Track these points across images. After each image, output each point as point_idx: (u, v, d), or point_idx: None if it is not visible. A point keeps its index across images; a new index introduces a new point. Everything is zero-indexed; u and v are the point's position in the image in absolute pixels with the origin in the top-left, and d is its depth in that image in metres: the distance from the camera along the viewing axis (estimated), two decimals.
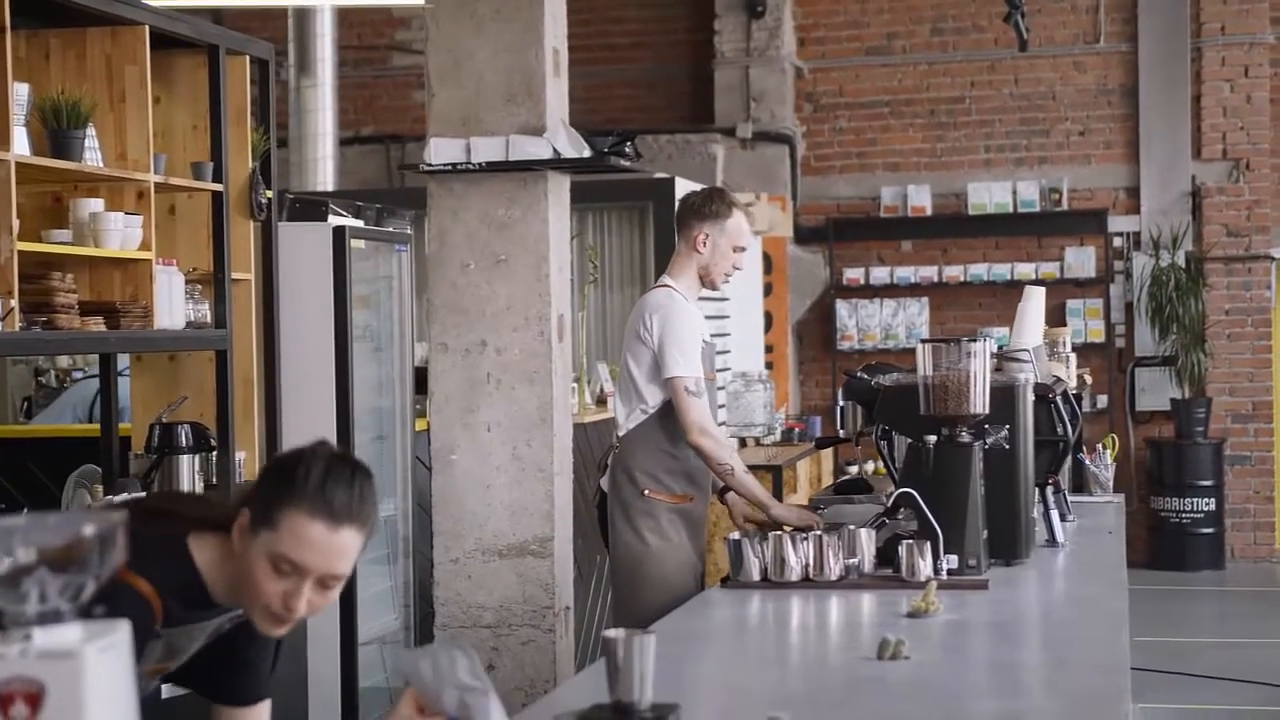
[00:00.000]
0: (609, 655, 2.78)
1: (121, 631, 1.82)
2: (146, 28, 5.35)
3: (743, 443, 10.72)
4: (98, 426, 6.01)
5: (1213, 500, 12.71)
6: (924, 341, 4.60)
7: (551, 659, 5.88)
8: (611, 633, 2.78)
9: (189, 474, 5.58)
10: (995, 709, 3.11)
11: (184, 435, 5.58)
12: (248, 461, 6.06)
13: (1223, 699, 8.55)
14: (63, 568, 1.78)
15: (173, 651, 2.81)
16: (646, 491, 5.36)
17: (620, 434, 5.47)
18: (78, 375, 9.28)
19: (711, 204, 5.49)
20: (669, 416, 5.36)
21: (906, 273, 13.33)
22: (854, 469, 12.76)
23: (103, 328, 5.10)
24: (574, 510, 6.26)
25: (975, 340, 4.56)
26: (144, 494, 5.14)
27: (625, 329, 5.58)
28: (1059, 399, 5.27)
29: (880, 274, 13.37)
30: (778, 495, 9.07)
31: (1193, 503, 12.69)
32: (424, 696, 2.63)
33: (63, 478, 6.04)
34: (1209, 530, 12.73)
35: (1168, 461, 12.79)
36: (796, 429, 11.28)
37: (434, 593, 5.96)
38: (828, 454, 11.59)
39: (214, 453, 5.77)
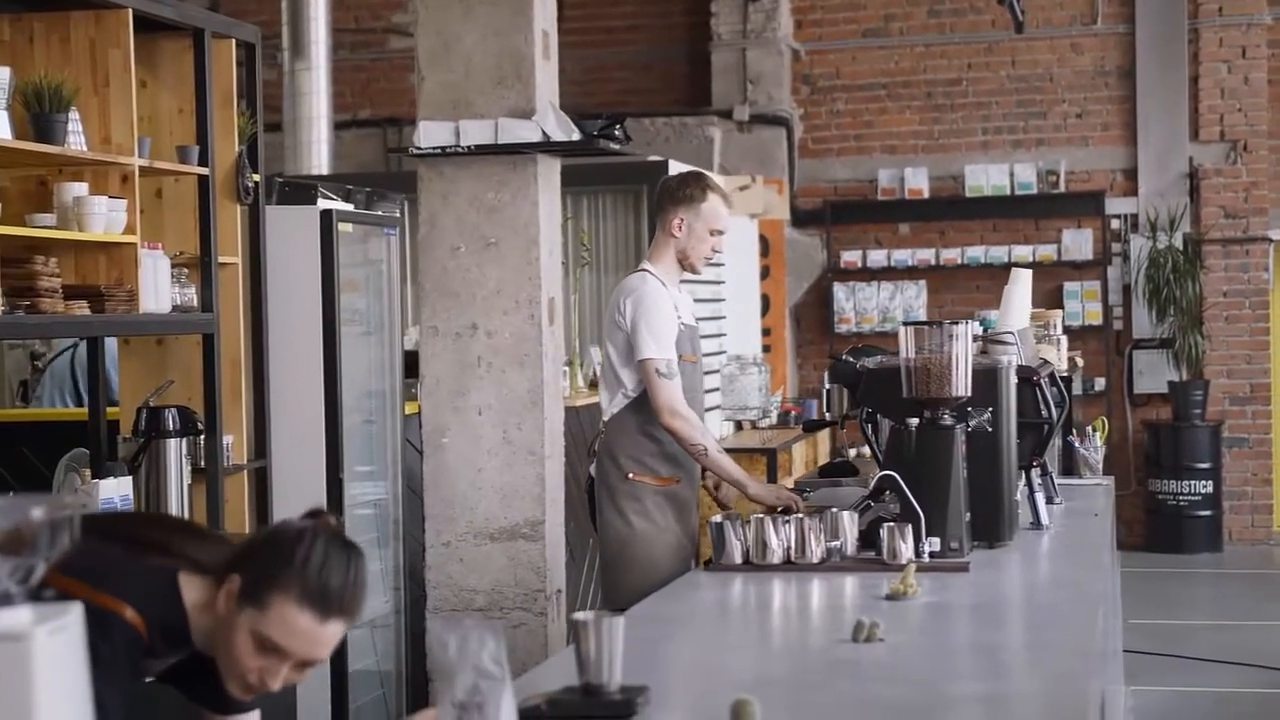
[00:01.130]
0: (578, 638, 2.79)
1: (74, 614, 1.83)
2: (130, 11, 5.34)
3: (738, 426, 10.72)
4: (87, 410, 6.01)
5: (1210, 483, 12.71)
6: (906, 324, 4.60)
7: (543, 642, 5.88)
8: (580, 616, 2.80)
9: (176, 457, 5.58)
10: (966, 690, 3.11)
11: (171, 419, 5.58)
12: (235, 445, 6.06)
13: (1218, 681, 8.55)
14: (12, 551, 1.79)
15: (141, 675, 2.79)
16: (631, 475, 5.38)
17: (605, 419, 5.49)
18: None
19: (686, 188, 5.49)
20: (650, 400, 5.37)
21: (904, 255, 13.32)
22: (852, 452, 12.77)
23: (87, 312, 5.10)
24: (565, 493, 6.26)
25: (957, 323, 4.56)
26: (136, 512, 5.08)
27: (605, 314, 5.61)
28: (1045, 381, 5.26)
29: (878, 257, 13.36)
30: (771, 478, 9.08)
31: (1190, 485, 12.69)
32: (436, 671, 2.64)
33: (56, 461, 6.05)
34: (1206, 513, 12.73)
35: (1165, 444, 12.78)
36: (793, 412, 11.28)
37: (425, 576, 5.97)
38: (824, 437, 11.59)
39: (201, 436, 5.77)
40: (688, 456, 5.43)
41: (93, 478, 5.43)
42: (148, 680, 2.82)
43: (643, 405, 5.37)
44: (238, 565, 2.70)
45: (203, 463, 5.81)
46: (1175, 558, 12.52)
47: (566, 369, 8.09)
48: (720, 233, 5.52)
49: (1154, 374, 13.05)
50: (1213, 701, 8.23)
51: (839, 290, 13.39)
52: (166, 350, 5.96)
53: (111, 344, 6.20)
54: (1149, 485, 12.88)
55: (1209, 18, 13.03)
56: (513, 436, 6.06)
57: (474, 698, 2.65)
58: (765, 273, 12.78)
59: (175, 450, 5.58)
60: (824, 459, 11.62)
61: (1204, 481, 12.70)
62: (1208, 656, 8.99)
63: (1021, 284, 5.72)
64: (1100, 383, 12.98)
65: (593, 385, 8.60)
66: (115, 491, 5.14)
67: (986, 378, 4.68)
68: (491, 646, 2.69)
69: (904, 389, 4.55)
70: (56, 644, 1.79)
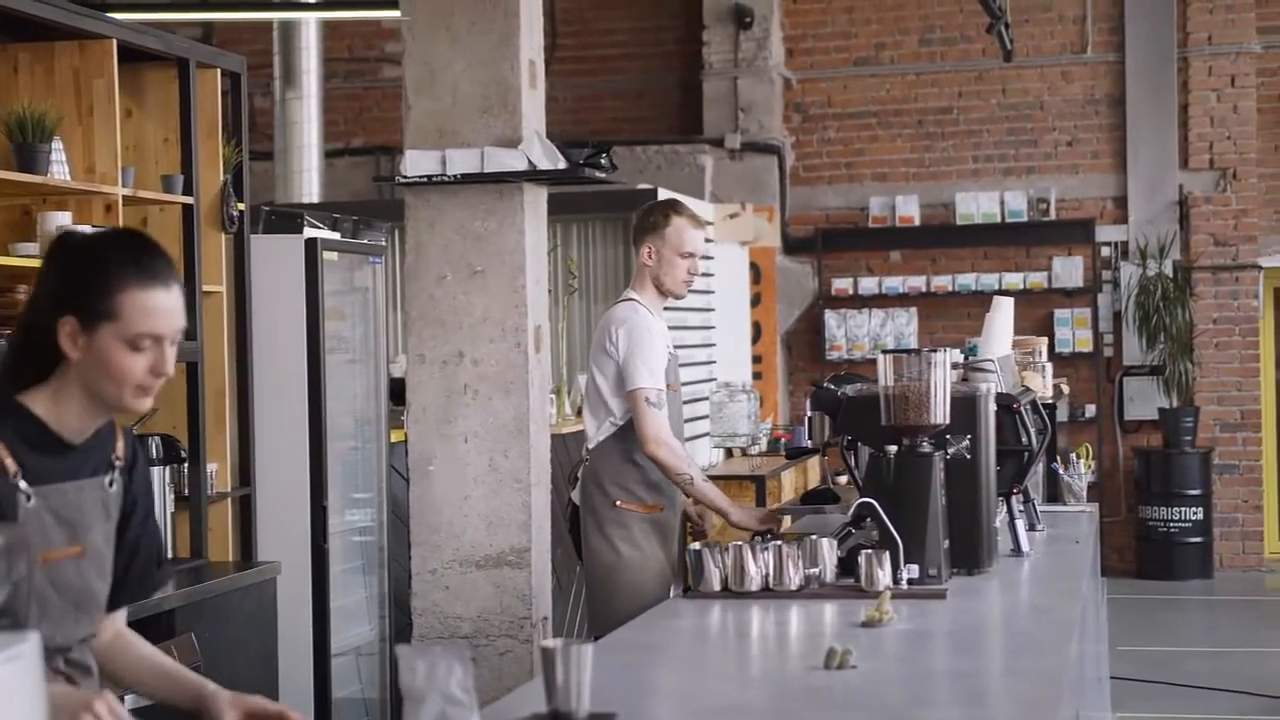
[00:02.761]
0: (546, 665, 2.80)
1: (30, 642, 1.84)
2: (114, 41, 5.37)
3: (728, 453, 10.73)
4: None
5: (1201, 509, 12.72)
6: (885, 352, 4.61)
7: (529, 669, 5.88)
8: (548, 643, 2.81)
9: (160, 486, 5.59)
10: (937, 717, 3.12)
11: (155, 447, 5.59)
12: (219, 473, 6.07)
13: (1208, 708, 8.55)
14: None
15: (65, 522, 2.79)
16: (618, 503, 5.42)
17: (590, 446, 5.55)
18: None
19: (650, 216, 5.63)
20: (636, 429, 5.41)
21: (895, 283, 13.35)
22: (843, 479, 12.77)
23: None
24: (552, 521, 6.27)
25: (936, 351, 4.57)
26: None
27: (592, 342, 5.66)
28: (1026, 409, 5.27)
29: (869, 284, 13.38)
30: (760, 505, 9.09)
31: (1181, 512, 12.69)
32: (405, 694, 2.65)
33: None
34: (1197, 539, 12.74)
35: (1156, 470, 12.79)
36: (783, 439, 11.29)
37: (411, 603, 5.97)
38: (814, 464, 11.60)
39: (185, 464, 5.78)
40: (670, 483, 5.46)
41: None
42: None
43: (629, 433, 5.42)
44: (54, 311, 2.75)
45: (186, 491, 5.82)
46: (1166, 584, 12.52)
47: (553, 396, 8.11)
48: (690, 255, 5.58)
49: (1144, 401, 13.06)
50: None
51: (830, 317, 13.40)
52: None
53: None
54: (1139, 512, 12.89)
55: (1198, 46, 13.07)
56: (499, 464, 6.06)
57: None
58: (756, 300, 12.81)
59: (159, 478, 5.59)
60: (813, 484, 11.63)
61: (1194, 508, 12.71)
62: (1198, 683, 8.98)
63: (1003, 311, 5.74)
64: (1091, 409, 12.99)
65: (579, 413, 8.61)
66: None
67: (965, 405, 4.69)
68: (459, 673, 2.70)
69: (883, 416, 4.56)
70: (12, 673, 1.80)
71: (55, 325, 2.75)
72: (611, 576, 5.36)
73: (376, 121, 14.14)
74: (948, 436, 4.62)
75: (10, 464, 2.72)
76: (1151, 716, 8.40)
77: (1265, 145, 13.13)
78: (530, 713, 2.86)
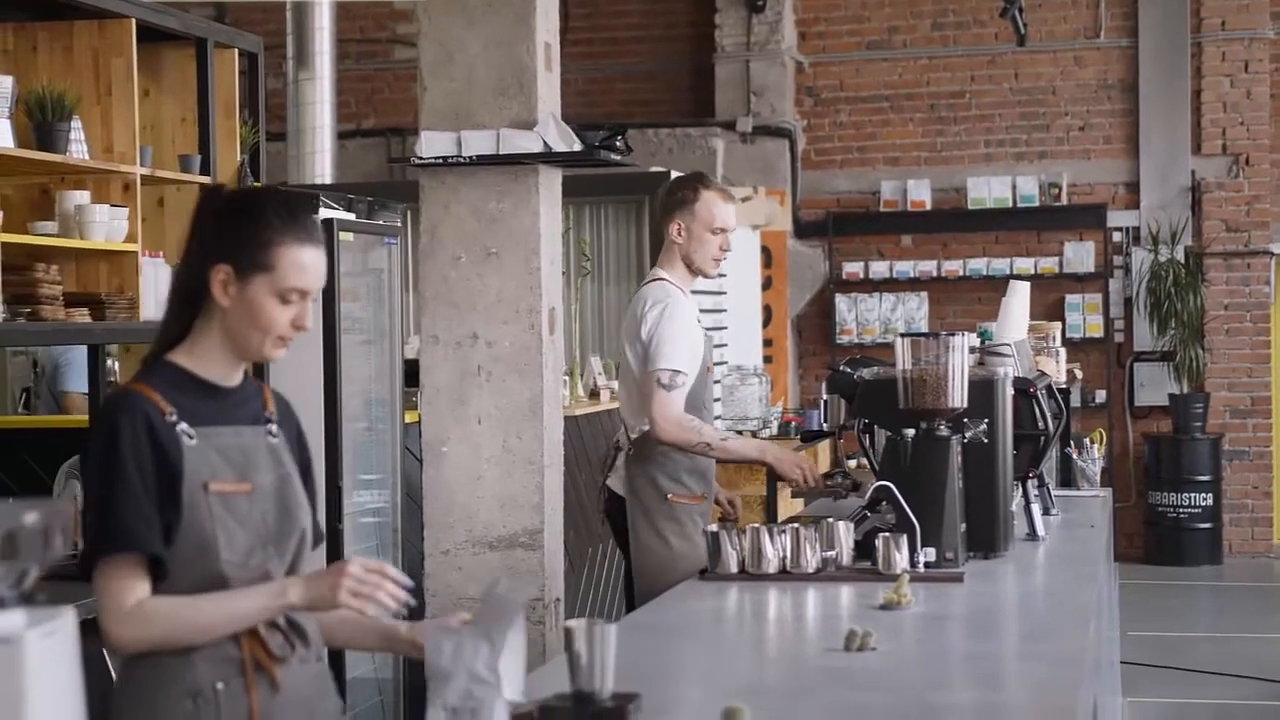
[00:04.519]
0: (570, 645, 2.81)
1: (67, 618, 1.85)
2: (133, 21, 5.38)
3: (739, 435, 10.73)
4: (86, 418, 6.03)
5: (1210, 495, 12.72)
6: (903, 335, 4.61)
7: (541, 651, 5.89)
8: (572, 623, 2.81)
9: None
10: (956, 699, 3.13)
11: None
12: None
13: (1217, 694, 8.56)
14: (5, 556, 1.81)
15: (232, 464, 2.92)
16: (670, 496, 5.32)
17: (633, 435, 5.39)
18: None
19: (678, 191, 5.48)
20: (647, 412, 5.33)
21: (906, 267, 13.34)
22: (852, 463, 12.77)
23: (88, 319, 5.12)
24: (565, 503, 6.27)
25: (954, 335, 4.57)
26: None
27: (623, 326, 5.52)
28: (1042, 393, 5.27)
29: (879, 268, 13.38)
30: (771, 489, 9.07)
31: (1190, 497, 12.70)
32: (430, 675, 2.67)
33: (57, 468, 6.06)
34: (1206, 525, 12.74)
35: (1166, 456, 12.79)
36: (794, 423, 11.28)
37: (424, 584, 5.97)
38: (825, 447, 11.60)
39: None
40: (711, 470, 5.37)
41: None
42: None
43: None
44: (207, 259, 2.89)
45: None
46: (1175, 570, 12.52)
47: (566, 378, 8.11)
48: (721, 230, 5.46)
49: (1155, 386, 13.06)
50: (1213, 714, 8.23)
51: (841, 301, 13.40)
52: None
53: (78, 352, 6.19)
54: (1149, 498, 12.89)
55: (1211, 32, 13.05)
56: (512, 445, 6.06)
57: (467, 703, 2.68)
58: (767, 283, 12.80)
59: None
60: (824, 469, 11.63)
61: (1204, 494, 12.71)
62: (1207, 669, 8.99)
63: (1019, 296, 5.74)
64: (1101, 395, 12.99)
65: (593, 395, 8.62)
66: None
67: (982, 389, 4.69)
68: (486, 654, 2.71)
69: (900, 400, 4.56)
70: (49, 647, 1.81)
71: (207, 273, 2.89)
72: (666, 572, 5.24)
73: (388, 103, 14.14)
74: (965, 420, 4.62)
75: (166, 406, 2.87)
76: (1160, 701, 8.41)
77: (1278, 131, 13.11)
78: (553, 693, 2.87)
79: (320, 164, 11.10)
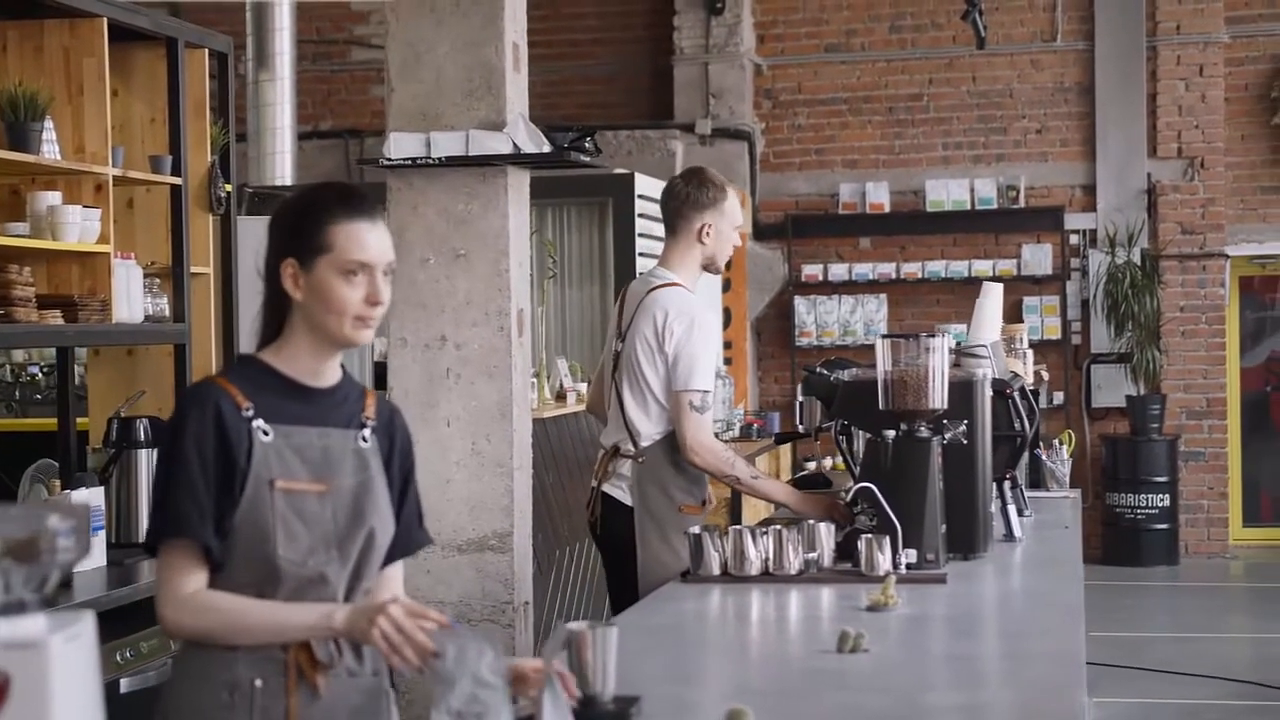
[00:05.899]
0: (572, 648, 2.79)
1: (87, 622, 1.82)
2: (105, 20, 5.32)
3: None
4: (55, 421, 5.96)
5: (1167, 496, 12.80)
6: (884, 337, 4.62)
7: (513, 653, 5.88)
8: (575, 625, 2.80)
9: (147, 468, 5.54)
10: (956, 701, 3.13)
11: (142, 430, 5.54)
12: None
13: (1176, 693, 8.61)
14: (27, 558, 1.78)
15: (308, 463, 2.94)
16: (682, 508, 5.15)
17: (644, 444, 5.18)
18: (33, 370, 9.23)
19: (708, 191, 5.25)
20: (677, 432, 5.15)
21: (865, 269, 13.38)
22: (811, 465, 12.80)
23: (61, 321, 5.07)
24: (533, 505, 6.26)
25: (934, 336, 4.58)
26: None
27: (633, 328, 5.22)
28: (1016, 395, 5.29)
29: (839, 271, 13.41)
30: (734, 492, 9.06)
31: (1147, 499, 12.77)
32: (435, 677, 2.66)
33: (21, 472, 6.00)
34: (1163, 526, 12.82)
35: (1123, 457, 12.87)
36: (755, 425, 11.31)
37: None
38: (786, 450, 11.63)
39: None
40: (704, 477, 5.24)
41: (62, 489, 5.39)
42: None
43: None
44: (277, 260, 2.97)
45: None
46: (1132, 570, 12.59)
47: (534, 381, 8.09)
48: (740, 225, 5.37)
49: (1112, 388, 13.14)
50: (1179, 713, 8.28)
51: (800, 304, 13.43)
52: (136, 361, 5.93)
53: None
54: (1106, 499, 12.96)
55: (1167, 36, 13.14)
56: (481, 448, 6.05)
57: (472, 707, 2.66)
58: (726, 286, 12.81)
59: (147, 461, 5.54)
60: (787, 471, 11.66)
61: (1161, 495, 12.79)
62: (1166, 668, 9.04)
63: (992, 297, 5.75)
64: (1059, 396, 13.06)
65: (559, 397, 8.59)
66: (88, 501, 5.10)
67: (962, 390, 4.70)
68: (490, 658, 2.70)
69: (881, 401, 4.56)
70: (72, 651, 1.79)
71: (279, 275, 2.96)
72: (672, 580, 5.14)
73: (345, 105, 14.09)
74: (945, 422, 4.63)
75: (244, 401, 2.92)
76: (1122, 701, 8.45)
77: (1232, 134, 13.21)
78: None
79: (280, 165, 11.04)
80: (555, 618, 7.86)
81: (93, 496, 4.98)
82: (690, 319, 5.12)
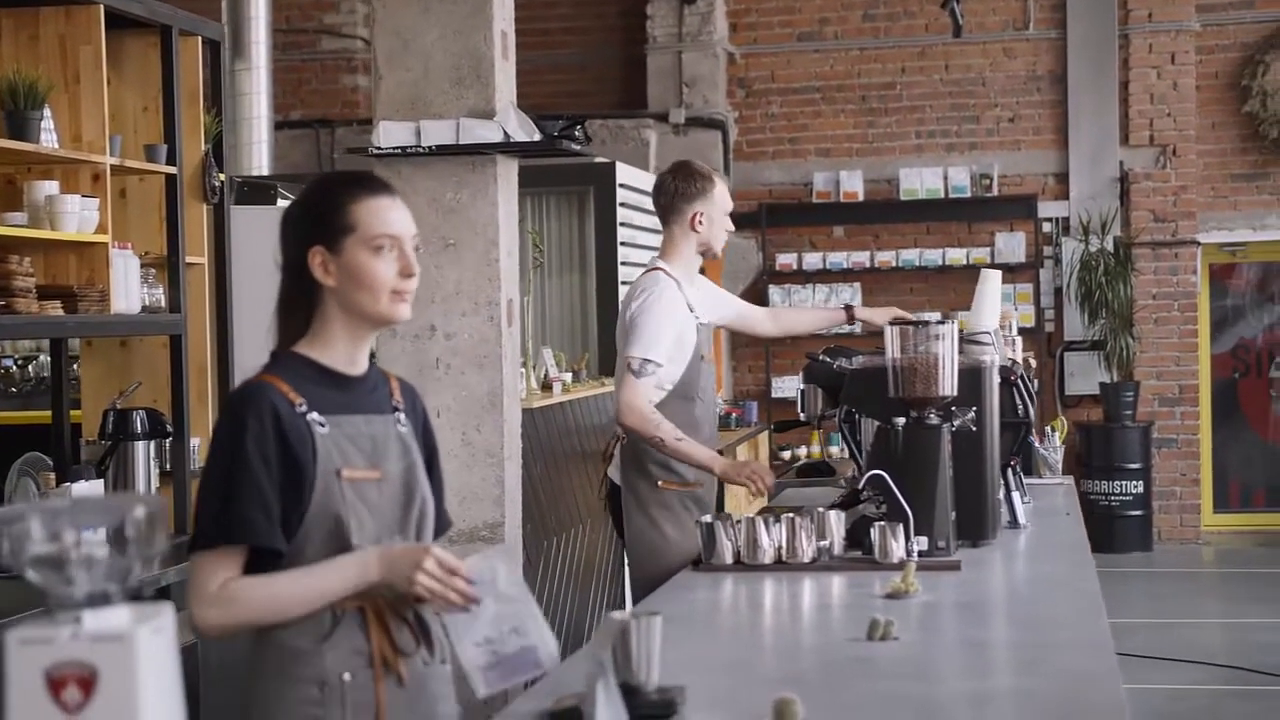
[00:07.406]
0: (617, 637, 2.77)
1: (168, 614, 1.80)
2: (101, 8, 5.27)
3: None
4: (49, 414, 5.91)
5: (1141, 483, 12.85)
6: (893, 324, 4.61)
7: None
8: (619, 615, 2.78)
9: (144, 460, 5.50)
10: (994, 686, 3.12)
11: (139, 421, 5.50)
12: (203, 448, 5.98)
13: (1158, 678, 8.65)
14: (115, 550, 1.76)
15: (363, 452, 2.93)
16: (660, 483, 5.33)
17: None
18: (7, 363, 9.16)
19: (695, 182, 5.47)
20: (675, 405, 5.30)
21: (839, 258, 13.38)
22: (786, 454, 12.82)
23: (60, 312, 5.02)
24: (523, 495, 6.24)
25: (943, 323, 4.58)
26: None
27: (619, 318, 5.49)
28: (1019, 381, 5.30)
29: (813, 259, 13.41)
30: (720, 486, 9.06)
31: (1121, 485, 12.82)
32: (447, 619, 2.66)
33: (9, 465, 5.94)
34: (1137, 512, 12.88)
35: (1096, 444, 12.92)
36: (733, 414, 11.31)
37: None
38: (763, 439, 11.63)
39: (169, 439, 5.70)
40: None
41: (58, 482, 5.34)
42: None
43: (666, 410, 5.28)
44: (302, 250, 2.94)
45: (170, 466, 5.73)
46: (1107, 557, 12.59)
47: (522, 370, 8.06)
48: (730, 210, 5.55)
49: (1085, 375, 13.18)
50: (1162, 698, 8.31)
51: (775, 292, 13.42)
52: (130, 352, 5.88)
53: None
54: (1081, 486, 12.97)
55: (1139, 24, 13.17)
56: (472, 439, 6.03)
57: (502, 626, 2.68)
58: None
59: (143, 453, 5.50)
60: (765, 460, 11.65)
61: (1134, 482, 12.84)
62: (1141, 654, 9.08)
63: (992, 284, 5.75)
64: (1034, 384, 13.08)
65: (546, 387, 8.56)
66: (88, 494, 5.06)
67: (970, 377, 4.70)
68: (504, 572, 2.72)
69: (890, 388, 4.55)
70: (157, 643, 1.77)
71: (307, 264, 2.93)
72: (660, 558, 5.24)
73: (315, 94, 14.00)
74: (953, 409, 4.62)
75: (296, 397, 2.89)
76: None
77: (1204, 122, 13.26)
78: (586, 685, 2.83)
79: (258, 155, 10.95)
80: (544, 608, 7.84)
81: (94, 488, 4.94)
82: (648, 294, 5.31)
